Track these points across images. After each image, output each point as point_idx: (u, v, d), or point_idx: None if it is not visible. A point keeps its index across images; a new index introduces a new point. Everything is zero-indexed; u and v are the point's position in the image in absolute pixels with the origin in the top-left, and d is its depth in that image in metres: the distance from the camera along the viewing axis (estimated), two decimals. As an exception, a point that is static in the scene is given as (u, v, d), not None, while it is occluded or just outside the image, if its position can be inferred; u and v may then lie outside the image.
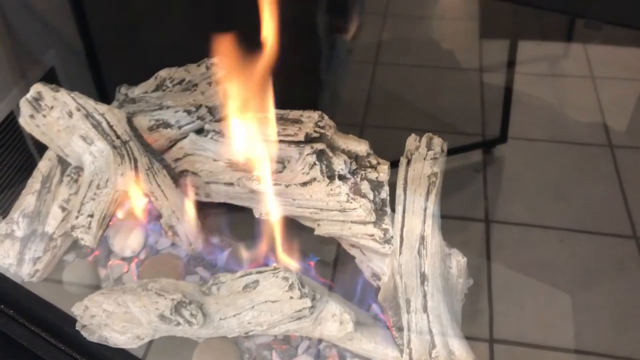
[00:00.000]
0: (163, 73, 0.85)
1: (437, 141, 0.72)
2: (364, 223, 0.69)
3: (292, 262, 0.76)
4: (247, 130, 0.74)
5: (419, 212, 0.68)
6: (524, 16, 1.40)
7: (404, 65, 1.50)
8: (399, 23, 1.62)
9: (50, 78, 1.17)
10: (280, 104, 0.75)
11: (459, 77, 1.46)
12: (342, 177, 0.69)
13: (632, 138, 1.27)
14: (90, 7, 1.11)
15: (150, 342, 0.75)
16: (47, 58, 1.21)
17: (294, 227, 0.76)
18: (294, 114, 0.74)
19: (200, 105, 0.81)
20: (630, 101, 1.33)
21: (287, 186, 0.70)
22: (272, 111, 0.73)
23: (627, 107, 1.32)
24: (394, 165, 0.72)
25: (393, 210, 0.71)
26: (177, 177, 0.80)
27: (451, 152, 0.74)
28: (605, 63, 1.44)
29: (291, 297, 0.66)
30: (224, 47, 0.70)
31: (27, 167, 1.08)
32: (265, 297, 0.67)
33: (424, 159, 0.71)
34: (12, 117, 1.11)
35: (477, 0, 1.60)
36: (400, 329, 0.68)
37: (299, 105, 0.76)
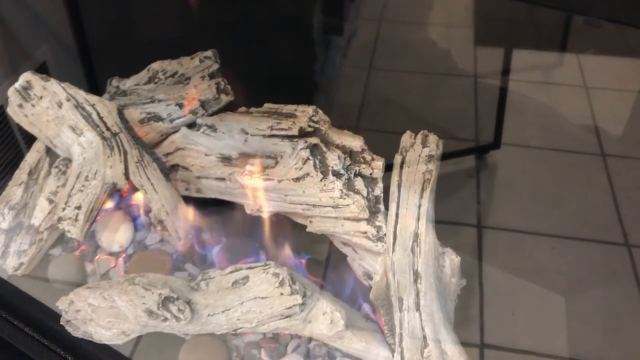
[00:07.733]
0: (156, 65, 0.84)
1: (433, 138, 0.71)
2: (357, 220, 0.68)
3: (282, 259, 0.75)
4: (239, 125, 0.73)
5: (413, 210, 0.67)
6: (518, 24, 1.41)
7: (398, 70, 1.50)
8: (394, 28, 1.62)
9: (42, 73, 1.15)
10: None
11: (453, 83, 1.46)
12: (336, 173, 0.67)
13: (624, 147, 1.28)
14: (83, 1, 1.10)
15: (138, 340, 0.74)
16: (39, 53, 1.19)
17: (286, 224, 0.75)
18: (288, 108, 0.73)
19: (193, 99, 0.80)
20: (622, 111, 1.34)
21: (279, 181, 0.69)
22: (266, 105, 0.72)
23: (619, 117, 1.33)
24: (388, 168, 0.71)
25: (387, 208, 0.70)
26: (167, 171, 0.78)
27: (445, 157, 0.72)
28: (598, 73, 1.45)
29: (281, 294, 0.64)
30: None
31: (15, 162, 1.06)
32: (255, 293, 0.65)
33: (419, 156, 0.70)
34: (1, 112, 1.09)
35: (472, 8, 1.60)
36: (391, 328, 0.67)
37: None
